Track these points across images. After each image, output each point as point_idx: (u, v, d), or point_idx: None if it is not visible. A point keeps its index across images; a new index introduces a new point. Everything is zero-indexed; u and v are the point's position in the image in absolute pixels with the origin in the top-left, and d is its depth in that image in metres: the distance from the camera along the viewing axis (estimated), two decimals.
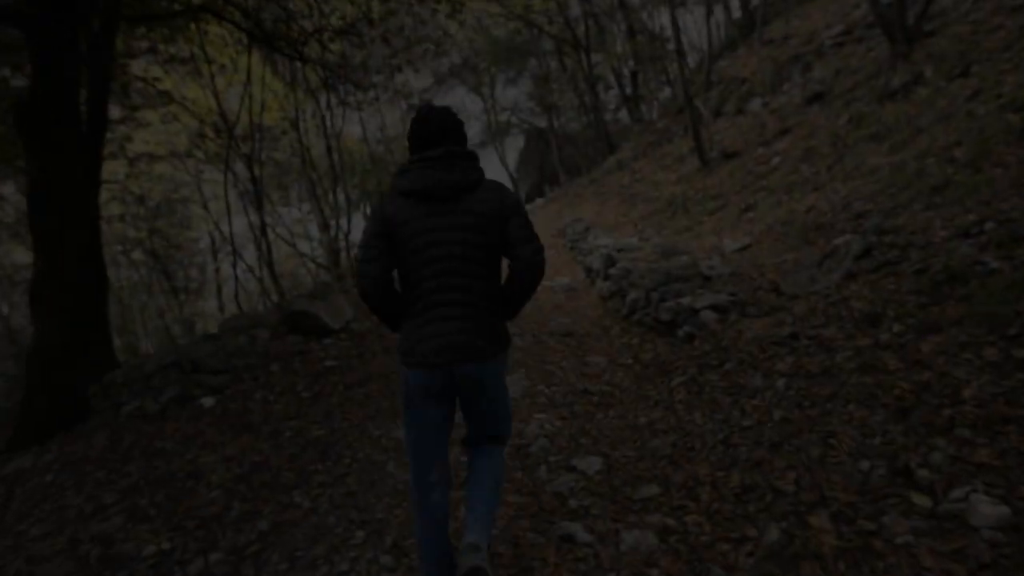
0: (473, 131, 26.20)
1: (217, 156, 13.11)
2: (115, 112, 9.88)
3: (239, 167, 13.46)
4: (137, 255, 19.18)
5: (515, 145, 30.52)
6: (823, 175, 6.64)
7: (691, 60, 17.25)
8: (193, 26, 9.43)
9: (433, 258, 1.95)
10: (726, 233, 7.10)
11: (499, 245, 2.02)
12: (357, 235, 23.52)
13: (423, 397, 2.01)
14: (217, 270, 19.55)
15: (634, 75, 17.05)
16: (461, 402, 2.09)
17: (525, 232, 2.02)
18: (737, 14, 16.60)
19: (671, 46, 15.60)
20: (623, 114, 20.21)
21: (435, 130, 2.03)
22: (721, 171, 9.64)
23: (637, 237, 8.91)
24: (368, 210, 20.07)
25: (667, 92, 19.94)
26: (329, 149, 13.64)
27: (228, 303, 18.90)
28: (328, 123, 13.57)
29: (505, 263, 2.06)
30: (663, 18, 17.68)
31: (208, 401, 4.45)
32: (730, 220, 7.51)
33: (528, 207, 13.35)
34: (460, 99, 29.92)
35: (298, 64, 13.54)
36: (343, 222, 16.38)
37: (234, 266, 14.43)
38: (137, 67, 10.31)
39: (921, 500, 1.97)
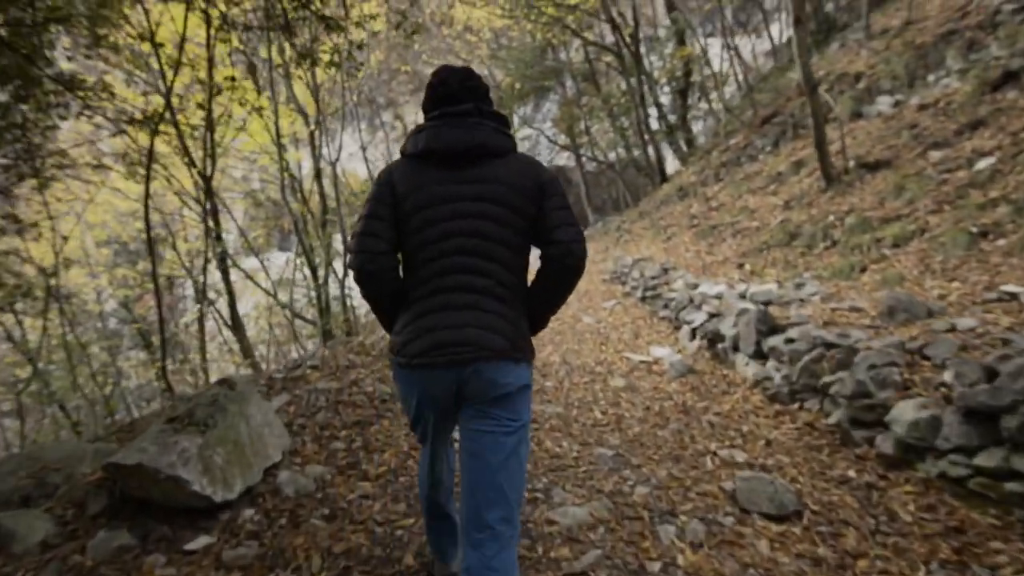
0: None
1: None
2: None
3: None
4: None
5: None
6: None
7: (746, 78, 14.54)
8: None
9: (445, 233, 1.58)
10: (963, 272, 4.03)
11: (528, 228, 1.63)
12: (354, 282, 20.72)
13: (419, 400, 1.63)
14: (190, 325, 16.65)
15: (683, 92, 14.36)
16: (464, 426, 1.62)
17: (564, 214, 1.62)
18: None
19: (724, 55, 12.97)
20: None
21: (456, 87, 1.66)
22: (864, 188, 6.65)
23: (759, 281, 5.83)
24: None
25: (709, 121, 17.25)
26: (318, 173, 10.86)
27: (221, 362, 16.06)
28: (319, 140, 10.83)
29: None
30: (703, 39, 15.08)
31: None
32: (944, 253, 4.44)
33: None
34: None
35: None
36: (338, 267, 13.48)
37: (199, 323, 11.49)
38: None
39: None
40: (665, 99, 15.19)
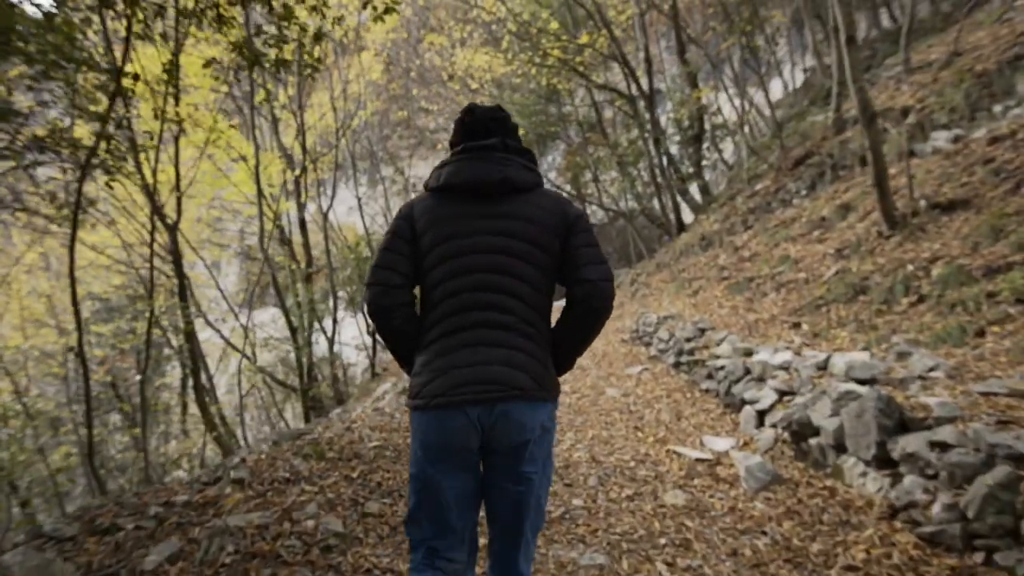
0: None
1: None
2: None
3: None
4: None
5: None
6: None
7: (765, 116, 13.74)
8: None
9: (466, 268, 1.53)
10: None
11: (553, 266, 1.59)
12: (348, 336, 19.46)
13: (439, 454, 1.50)
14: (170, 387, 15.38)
15: (697, 138, 13.52)
16: (489, 468, 1.55)
17: (592, 252, 1.57)
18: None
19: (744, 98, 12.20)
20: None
21: (484, 120, 1.65)
22: (942, 232, 5.53)
23: (830, 347, 4.62)
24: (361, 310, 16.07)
25: (719, 168, 16.42)
26: (302, 223, 9.82)
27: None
28: (304, 187, 9.83)
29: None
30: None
31: None
32: None
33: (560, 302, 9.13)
34: None
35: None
36: (326, 325, 12.29)
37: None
38: None
39: None
40: (674, 148, 14.35)
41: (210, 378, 9.74)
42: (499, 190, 1.57)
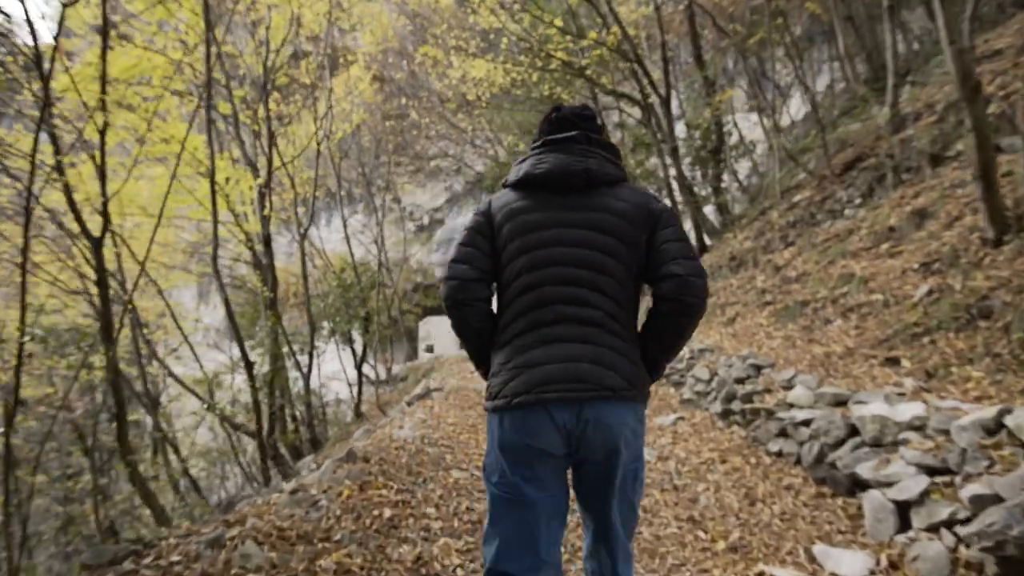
0: None
1: None
2: None
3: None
4: None
5: None
6: None
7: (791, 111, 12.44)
8: None
9: (548, 260, 1.47)
10: None
11: (639, 263, 1.51)
12: (329, 367, 17.74)
13: (522, 457, 1.40)
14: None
15: (716, 151, 12.21)
16: (579, 471, 1.48)
17: (681, 247, 1.48)
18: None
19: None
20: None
21: (569, 115, 1.61)
22: None
23: (961, 393, 3.08)
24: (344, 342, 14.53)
25: (735, 190, 15.05)
26: (267, 240, 8.41)
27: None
28: (269, 200, 8.45)
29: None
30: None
31: None
32: None
33: None
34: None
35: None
36: (301, 359, 10.77)
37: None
38: None
39: None
40: (686, 166, 13.01)
41: (126, 440, 8.22)
42: (581, 182, 1.51)
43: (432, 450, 4.02)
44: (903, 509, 2.55)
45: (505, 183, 1.61)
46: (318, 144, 11.99)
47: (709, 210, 12.51)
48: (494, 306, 1.59)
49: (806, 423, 3.59)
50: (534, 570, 1.40)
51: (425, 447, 4.06)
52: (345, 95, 15.60)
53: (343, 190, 28.78)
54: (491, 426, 1.49)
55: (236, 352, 15.91)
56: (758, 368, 4.80)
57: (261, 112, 9.39)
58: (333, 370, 15.07)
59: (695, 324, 1.50)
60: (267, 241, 8.80)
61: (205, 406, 8.36)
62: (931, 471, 2.58)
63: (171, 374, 9.28)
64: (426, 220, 30.69)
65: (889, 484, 2.66)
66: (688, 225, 11.49)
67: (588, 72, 10.73)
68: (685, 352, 6.29)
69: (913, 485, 2.53)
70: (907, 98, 8.21)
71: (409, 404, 6.60)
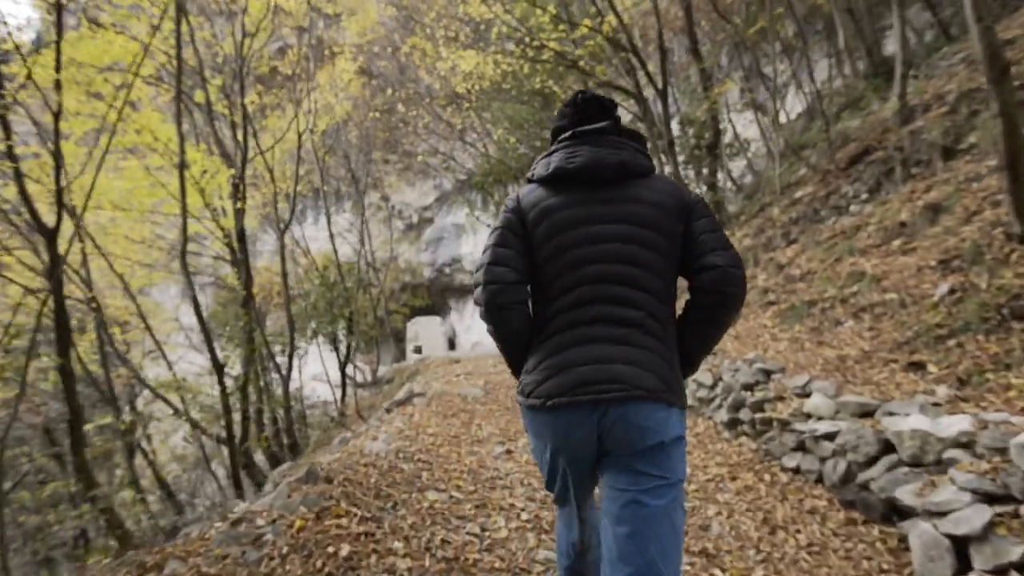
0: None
1: None
2: None
3: None
4: None
5: None
6: None
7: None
8: None
9: (586, 258, 1.43)
10: None
11: (677, 255, 1.46)
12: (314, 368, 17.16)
13: (557, 452, 1.44)
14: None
15: (712, 148, 11.84)
16: (607, 486, 1.42)
17: (718, 235, 1.45)
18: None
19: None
20: None
21: (597, 101, 1.55)
22: None
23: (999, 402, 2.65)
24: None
25: (728, 188, 14.68)
26: (241, 235, 7.91)
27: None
28: (243, 192, 7.95)
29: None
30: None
31: None
32: None
33: None
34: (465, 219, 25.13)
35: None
36: (274, 362, 10.27)
37: None
38: None
39: None
40: (680, 161, 12.60)
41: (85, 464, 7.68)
42: (617, 175, 1.46)
43: (407, 467, 3.57)
44: (961, 545, 2.13)
45: (531, 177, 1.56)
46: (299, 135, 11.50)
47: None
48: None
49: (829, 436, 3.17)
50: (580, 558, 1.58)
51: (399, 463, 3.61)
52: (329, 87, 15.09)
53: (329, 187, 28.25)
54: (525, 417, 1.52)
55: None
56: (767, 373, 4.40)
57: (237, 100, 8.89)
58: (317, 372, 14.53)
59: (735, 316, 1.46)
60: (241, 235, 8.30)
61: (172, 412, 7.82)
62: (991, 499, 2.18)
63: (138, 377, 8.75)
64: (415, 219, 30.13)
65: (941, 514, 2.25)
66: None
67: (581, 64, 10.30)
68: None
69: (973, 517, 2.12)
70: (913, 91, 7.86)
71: (388, 410, 6.14)
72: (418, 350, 24.75)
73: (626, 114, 15.65)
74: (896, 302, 4.94)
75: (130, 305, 16.46)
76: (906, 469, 2.62)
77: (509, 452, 4.11)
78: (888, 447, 2.80)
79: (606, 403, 1.35)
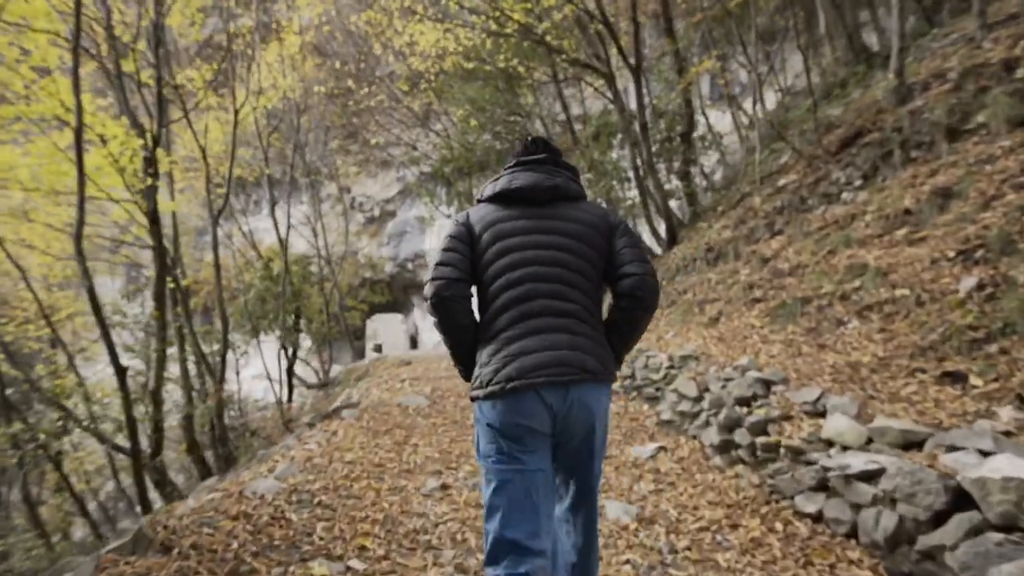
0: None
1: None
2: None
3: None
4: None
5: None
6: None
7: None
8: None
9: (526, 261, 1.64)
10: None
11: (602, 266, 1.72)
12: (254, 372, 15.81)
13: (516, 434, 1.55)
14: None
15: (685, 136, 11.13)
16: (564, 447, 1.65)
17: (637, 252, 1.73)
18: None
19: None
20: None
21: (539, 141, 1.84)
22: None
23: None
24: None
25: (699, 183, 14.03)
26: (154, 216, 6.79)
27: None
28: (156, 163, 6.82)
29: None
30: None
31: None
32: None
33: None
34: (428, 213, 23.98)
35: None
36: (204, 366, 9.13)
37: None
38: None
39: None
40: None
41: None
42: (551, 197, 1.71)
43: (299, 516, 2.62)
44: None
45: (480, 198, 1.80)
46: (235, 111, 10.34)
47: (675, 204, 11.41)
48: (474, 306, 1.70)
49: (867, 476, 2.35)
50: (535, 536, 1.51)
51: (290, 510, 2.66)
52: (277, 64, 13.86)
53: (284, 176, 26.78)
54: (482, 413, 1.61)
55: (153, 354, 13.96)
56: (767, 384, 3.58)
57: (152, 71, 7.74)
58: (261, 373, 13.31)
59: (649, 318, 1.71)
60: (153, 217, 7.16)
61: (58, 420, 6.65)
62: None
63: (28, 379, 7.52)
64: (376, 212, 28.81)
65: None
66: (665, 219, 10.36)
67: (549, 39, 9.43)
68: (663, 360, 5.05)
69: None
70: (923, 64, 7.21)
71: (311, 424, 5.15)
72: (378, 348, 23.59)
73: (598, 100, 14.84)
74: (910, 299, 4.20)
75: (58, 301, 14.98)
76: (999, 537, 1.80)
77: (445, 488, 3.19)
78: (962, 498, 1.99)
79: (559, 385, 1.52)
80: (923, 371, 3.41)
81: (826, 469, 2.60)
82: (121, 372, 6.32)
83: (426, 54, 12.37)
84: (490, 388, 1.54)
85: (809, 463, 2.75)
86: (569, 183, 1.75)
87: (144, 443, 8.29)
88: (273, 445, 6.24)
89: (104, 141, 9.04)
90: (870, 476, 2.36)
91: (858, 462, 2.43)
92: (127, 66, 8.99)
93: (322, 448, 3.88)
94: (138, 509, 7.18)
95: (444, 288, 1.59)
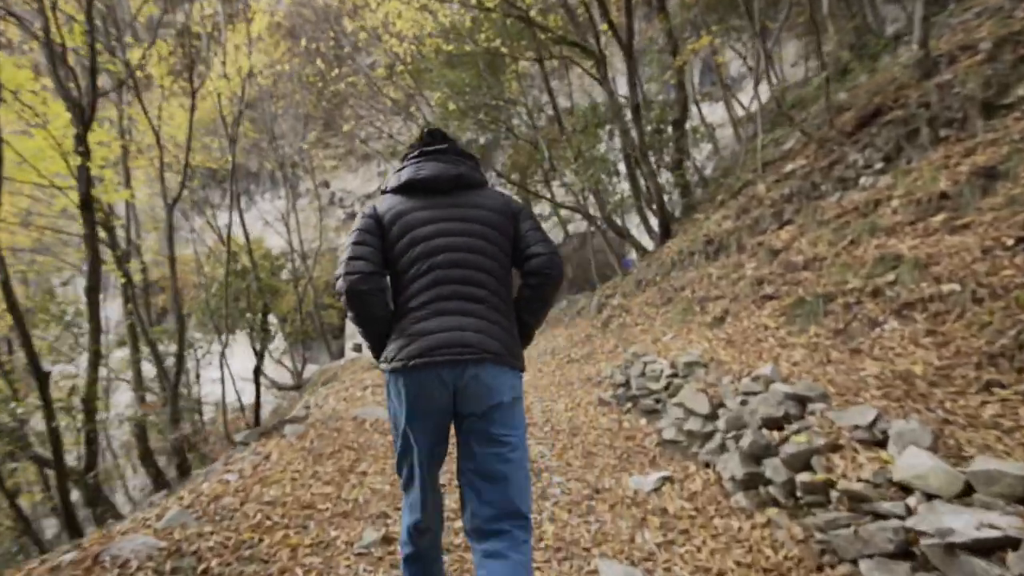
0: None
1: None
2: None
3: None
4: None
5: None
6: None
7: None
8: None
9: (436, 248, 1.66)
10: None
11: (508, 250, 1.77)
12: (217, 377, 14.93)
13: (414, 411, 1.60)
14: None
15: (678, 123, 10.40)
16: (463, 434, 1.66)
17: (540, 234, 1.79)
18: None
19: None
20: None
21: (438, 133, 1.86)
22: None
23: None
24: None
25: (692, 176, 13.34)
26: (86, 200, 5.93)
27: None
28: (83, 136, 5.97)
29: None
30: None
31: None
32: None
33: None
34: None
35: None
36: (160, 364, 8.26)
37: None
38: None
39: None
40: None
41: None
42: (455, 185, 1.74)
43: None
44: None
45: (385, 189, 1.82)
46: (192, 93, 9.46)
47: (666, 198, 10.68)
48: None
49: (984, 550, 1.61)
50: (421, 536, 1.67)
51: None
52: (245, 46, 12.93)
53: (258, 167, 25.76)
54: (389, 383, 1.66)
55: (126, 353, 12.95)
56: (800, 401, 2.85)
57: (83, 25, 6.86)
58: (234, 372, 12.38)
59: (556, 292, 1.77)
60: (86, 202, 6.28)
61: None
62: None
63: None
64: (357, 207, 27.90)
65: None
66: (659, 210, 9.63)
67: (533, 15, 8.66)
68: (664, 367, 4.29)
69: None
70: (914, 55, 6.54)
71: (246, 443, 4.35)
72: (357, 348, 22.67)
73: (586, 82, 14.08)
74: (963, 295, 3.50)
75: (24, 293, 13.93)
76: None
77: (387, 542, 2.41)
78: None
79: (463, 364, 1.54)
80: (1002, 385, 2.69)
81: (910, 530, 1.85)
82: (42, 378, 5.46)
83: (404, 36, 11.54)
84: (394, 363, 1.59)
85: (878, 515, 2.01)
86: (472, 172, 1.79)
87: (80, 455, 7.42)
88: (213, 463, 5.40)
89: (45, 123, 8.14)
90: (988, 548, 1.62)
91: (965, 525, 1.69)
92: (72, 41, 8.09)
93: (243, 480, 3.07)
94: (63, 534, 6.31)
95: (360, 282, 1.60)
